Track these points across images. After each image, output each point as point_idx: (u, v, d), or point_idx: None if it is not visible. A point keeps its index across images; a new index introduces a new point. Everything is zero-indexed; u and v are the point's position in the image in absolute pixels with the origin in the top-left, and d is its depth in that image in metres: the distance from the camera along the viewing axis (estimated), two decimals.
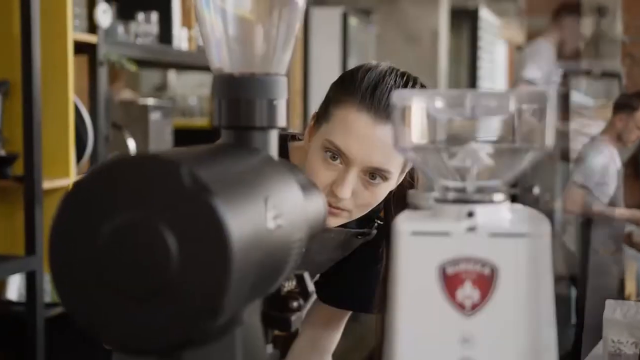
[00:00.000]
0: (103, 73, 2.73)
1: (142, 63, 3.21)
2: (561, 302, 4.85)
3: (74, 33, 2.61)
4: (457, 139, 0.75)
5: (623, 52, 4.34)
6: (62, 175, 2.57)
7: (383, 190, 1.28)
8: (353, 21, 5.27)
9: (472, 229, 0.69)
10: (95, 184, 0.65)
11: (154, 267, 0.63)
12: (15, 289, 2.63)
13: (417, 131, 0.72)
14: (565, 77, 6.25)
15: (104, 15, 2.70)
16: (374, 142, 1.23)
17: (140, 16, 3.08)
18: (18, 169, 2.47)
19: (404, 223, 0.70)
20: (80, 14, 2.69)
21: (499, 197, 0.71)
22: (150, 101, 3.17)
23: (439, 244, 0.69)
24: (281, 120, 0.85)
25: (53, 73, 2.55)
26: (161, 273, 0.63)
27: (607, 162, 4.22)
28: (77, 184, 0.65)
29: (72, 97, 2.57)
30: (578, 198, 4.16)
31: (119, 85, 3.70)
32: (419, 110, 0.72)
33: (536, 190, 4.57)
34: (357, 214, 1.30)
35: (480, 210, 0.70)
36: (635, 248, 4.49)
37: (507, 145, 0.71)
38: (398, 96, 0.71)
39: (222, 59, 0.85)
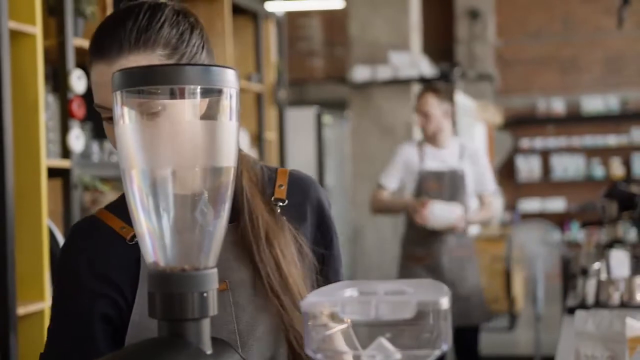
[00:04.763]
0: (76, 196, 2.81)
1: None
2: None
3: (48, 159, 2.69)
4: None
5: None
6: (37, 299, 2.61)
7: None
8: (327, 119, 5.40)
9: None
10: None
11: None
12: None
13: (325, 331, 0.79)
14: None
15: (77, 140, 2.79)
16: None
17: None
18: None
19: None
20: (53, 139, 2.78)
21: None
22: None
23: None
24: (212, 309, 0.91)
25: (27, 199, 2.61)
26: None
27: (404, 160, 4.20)
28: None
29: (45, 222, 2.63)
30: (376, 196, 4.15)
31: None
32: (327, 314, 0.78)
33: None
34: None
35: None
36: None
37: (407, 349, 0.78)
38: (307, 303, 0.78)
39: (156, 255, 0.92)
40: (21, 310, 2.54)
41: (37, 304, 2.61)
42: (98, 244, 1.27)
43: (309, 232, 1.34)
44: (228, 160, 0.92)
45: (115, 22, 1.22)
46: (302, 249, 1.30)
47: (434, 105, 4.00)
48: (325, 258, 1.36)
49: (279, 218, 1.30)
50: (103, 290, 1.25)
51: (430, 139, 4.13)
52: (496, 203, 7.19)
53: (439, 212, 3.93)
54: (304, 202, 1.34)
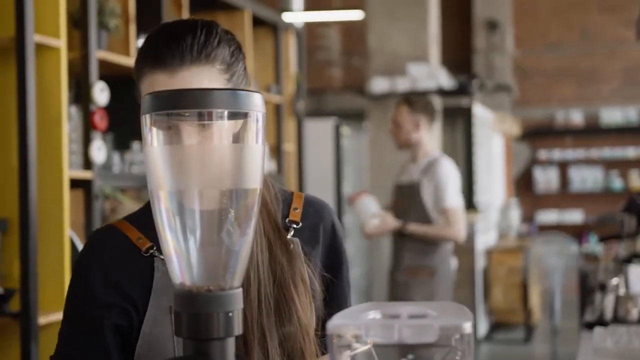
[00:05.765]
0: (98, 207, 2.84)
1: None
2: None
3: (70, 170, 2.73)
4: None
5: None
6: (58, 309, 2.64)
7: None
8: (345, 130, 5.41)
9: None
10: None
11: None
12: None
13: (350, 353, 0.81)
14: None
15: (99, 152, 2.82)
16: None
17: (135, 145, 3.21)
18: (15, 304, 2.55)
19: None
20: (76, 150, 2.81)
21: None
22: None
23: None
24: (237, 329, 0.93)
25: (49, 210, 2.65)
26: None
27: (392, 176, 4.26)
28: None
29: (67, 232, 2.66)
30: None
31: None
32: (352, 336, 0.80)
33: None
34: None
35: None
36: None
37: None
38: (332, 325, 0.80)
39: (182, 274, 0.94)
40: (42, 320, 2.57)
41: (59, 314, 2.64)
42: (114, 254, 1.29)
43: (320, 256, 1.36)
44: (254, 181, 0.94)
45: (173, 35, 1.23)
46: (310, 272, 1.31)
47: (404, 116, 4.08)
48: (334, 283, 1.37)
49: (291, 241, 1.31)
50: (115, 301, 1.26)
51: (408, 152, 4.17)
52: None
53: (362, 206, 3.99)
54: (317, 225, 1.37)
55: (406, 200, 4.07)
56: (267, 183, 1.34)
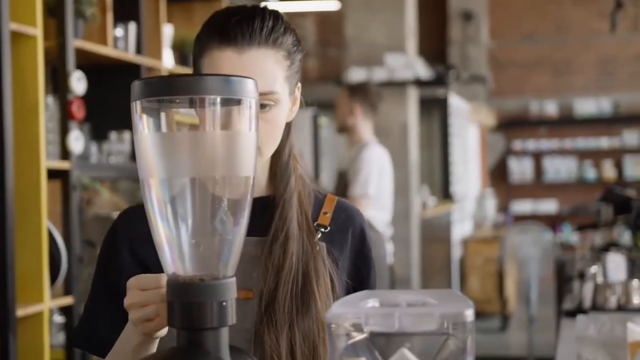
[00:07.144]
0: (75, 197, 2.80)
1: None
2: None
3: (47, 161, 2.69)
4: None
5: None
6: (36, 301, 2.61)
7: (278, 115, 1.26)
8: (323, 121, 5.39)
9: None
10: None
11: None
12: None
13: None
14: None
15: (76, 142, 2.78)
16: (245, 71, 1.20)
17: (113, 135, 3.17)
18: None
19: None
20: (53, 140, 2.77)
21: None
22: None
23: None
24: (231, 318, 0.91)
25: (27, 200, 2.61)
26: None
27: None
28: None
29: (45, 223, 2.63)
30: None
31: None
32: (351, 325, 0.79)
33: None
34: (268, 150, 1.27)
35: None
36: None
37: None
38: (331, 314, 0.78)
39: (175, 264, 0.92)
40: (20, 312, 2.53)
41: (37, 305, 2.61)
42: (139, 231, 1.27)
43: (347, 262, 1.36)
44: (247, 169, 0.92)
45: (243, 17, 1.24)
46: (333, 274, 1.31)
47: (342, 100, 4.14)
48: (358, 290, 1.36)
49: (317, 243, 1.31)
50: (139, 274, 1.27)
51: (347, 137, 4.18)
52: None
53: None
54: (346, 230, 1.36)
55: (341, 187, 4.05)
56: (304, 180, 1.35)
